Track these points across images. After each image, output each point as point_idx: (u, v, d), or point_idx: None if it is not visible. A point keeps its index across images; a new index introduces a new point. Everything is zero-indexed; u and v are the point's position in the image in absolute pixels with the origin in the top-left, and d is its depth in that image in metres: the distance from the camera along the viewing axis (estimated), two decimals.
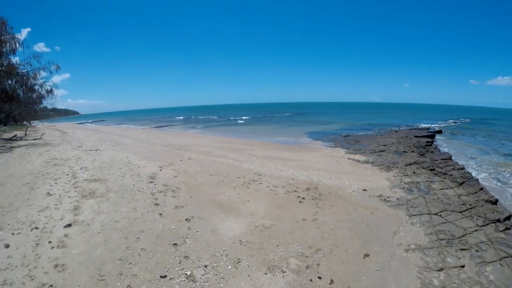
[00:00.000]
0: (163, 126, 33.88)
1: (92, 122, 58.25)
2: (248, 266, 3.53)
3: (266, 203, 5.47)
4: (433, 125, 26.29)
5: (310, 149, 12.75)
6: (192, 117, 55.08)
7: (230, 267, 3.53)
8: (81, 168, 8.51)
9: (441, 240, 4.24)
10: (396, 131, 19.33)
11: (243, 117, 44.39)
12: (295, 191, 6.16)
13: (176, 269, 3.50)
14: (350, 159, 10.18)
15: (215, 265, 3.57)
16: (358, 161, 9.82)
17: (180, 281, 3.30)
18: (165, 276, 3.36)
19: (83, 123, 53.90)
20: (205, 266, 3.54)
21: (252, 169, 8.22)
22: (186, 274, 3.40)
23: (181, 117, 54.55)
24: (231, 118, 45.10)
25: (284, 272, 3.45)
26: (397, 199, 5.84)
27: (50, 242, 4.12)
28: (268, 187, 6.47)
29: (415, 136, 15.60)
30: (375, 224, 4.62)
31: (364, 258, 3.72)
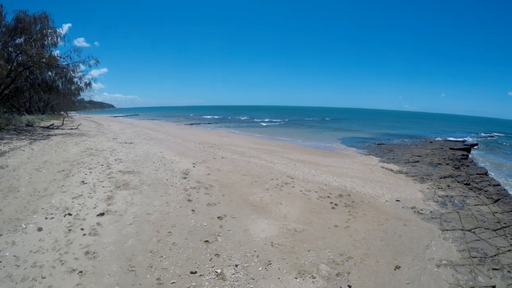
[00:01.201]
0: (195, 124, 42.05)
1: (126, 116, 69.93)
2: (279, 269, 4.23)
3: (299, 207, 6.58)
4: (468, 138, 31.50)
5: (344, 156, 15.43)
6: (224, 116, 68.08)
7: (260, 268, 4.23)
8: (115, 160, 10.86)
9: (473, 257, 5.03)
10: (431, 142, 23.40)
11: (276, 120, 55.70)
12: (328, 197, 7.39)
13: (207, 266, 4.25)
14: (383, 168, 12.24)
15: (245, 265, 4.29)
16: (392, 170, 11.82)
17: (210, 278, 3.99)
18: (195, 272, 4.10)
19: (118, 116, 64.75)
20: (236, 266, 4.26)
21: (285, 171, 9.90)
22: (216, 272, 4.10)
23: (213, 116, 66.92)
24: (264, 119, 56.45)
25: (314, 278, 4.10)
26: (431, 212, 6.97)
27: (82, 229, 5.27)
28: (301, 191, 7.76)
29: (450, 148, 18.93)
30: (407, 236, 5.49)
31: (395, 270, 4.43)
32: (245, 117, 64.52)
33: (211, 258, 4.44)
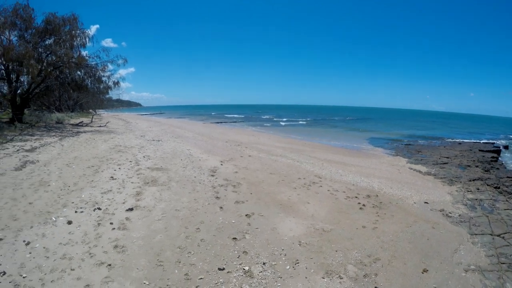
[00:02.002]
0: (222, 122, 43.85)
1: (153, 114, 73.27)
2: (306, 268, 4.34)
3: (327, 206, 6.76)
4: (498, 140, 31.29)
5: (371, 156, 15.77)
6: (248, 115, 71.41)
7: (288, 267, 4.33)
8: (144, 157, 11.36)
9: (502, 263, 5.04)
10: (459, 143, 23.87)
11: (303, 119, 57.66)
12: (356, 197, 7.54)
13: (234, 263, 4.39)
14: (411, 169, 12.51)
15: (273, 263, 4.40)
16: (420, 172, 12.01)
17: (238, 275, 4.11)
18: (223, 269, 4.22)
19: (145, 114, 67.62)
20: (263, 264, 4.38)
21: (312, 171, 10.20)
22: (244, 269, 4.23)
23: (236, 115, 70.15)
24: (288, 118, 59.30)
25: (341, 278, 4.18)
26: (459, 215, 7.00)
27: (111, 223, 5.51)
28: (328, 190, 7.96)
29: (479, 150, 19.12)
30: (436, 240, 5.55)
31: (423, 273, 4.47)
32: (268, 116, 67.46)
33: (239, 255, 4.57)
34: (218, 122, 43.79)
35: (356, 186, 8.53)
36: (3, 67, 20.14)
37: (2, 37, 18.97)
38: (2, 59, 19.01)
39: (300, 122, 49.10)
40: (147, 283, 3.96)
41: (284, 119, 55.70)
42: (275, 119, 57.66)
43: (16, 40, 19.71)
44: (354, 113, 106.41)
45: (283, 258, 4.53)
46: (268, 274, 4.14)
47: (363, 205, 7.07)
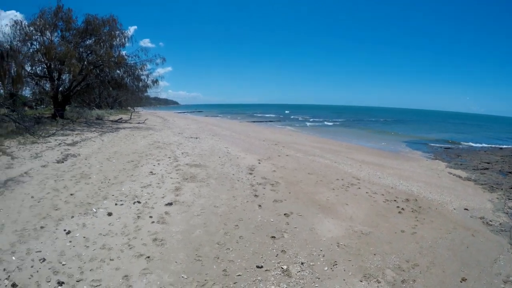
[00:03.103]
0: (258, 121, 45.11)
1: (190, 112, 75.92)
2: (344, 270, 4.35)
3: (365, 209, 6.80)
4: None
5: (409, 159, 15.83)
6: (283, 114, 73.23)
7: (326, 268, 4.37)
8: (182, 153, 11.79)
9: None
10: (501, 148, 23.34)
11: (337, 119, 58.20)
12: (395, 200, 7.57)
13: (273, 261, 4.45)
14: (451, 173, 12.34)
15: (311, 263, 4.45)
16: (460, 177, 11.82)
17: (276, 274, 4.17)
18: (261, 267, 4.29)
19: (182, 112, 70.55)
20: (302, 263, 4.43)
21: (350, 172, 10.34)
22: (282, 268, 4.28)
23: (274, 114, 72.06)
24: (323, 118, 59.45)
25: (379, 282, 4.17)
26: (500, 224, 6.79)
27: (151, 217, 5.72)
28: (367, 192, 8.01)
29: None
30: (475, 248, 5.44)
31: (461, 282, 4.41)
32: (303, 116, 68.35)
33: (277, 254, 4.63)
34: (254, 121, 45.20)
35: (395, 189, 8.54)
36: (45, 66, 21.70)
37: (44, 37, 20.52)
38: (45, 58, 20.55)
39: (335, 123, 49.52)
40: (185, 276, 4.05)
41: (319, 119, 56.60)
42: (309, 118, 58.49)
43: (58, 40, 21.35)
44: (388, 114, 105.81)
45: (321, 259, 4.57)
46: (306, 274, 4.19)
47: (402, 209, 7.05)
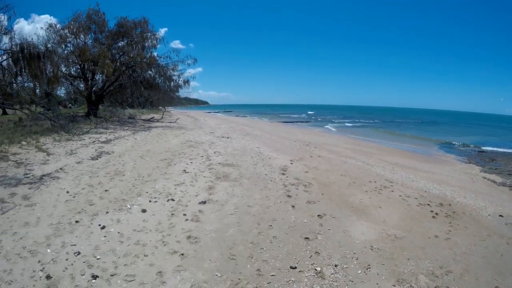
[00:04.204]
0: (289, 122, 46.62)
1: (220, 112, 78.75)
2: (377, 274, 4.34)
3: (399, 212, 6.79)
4: None
5: (443, 162, 15.82)
6: (313, 115, 75.55)
7: (359, 271, 4.36)
8: (214, 152, 11.99)
9: None
10: None
11: (368, 120, 60.06)
12: (428, 204, 7.48)
13: (306, 262, 4.48)
14: (485, 178, 12.18)
15: (345, 266, 4.45)
16: (494, 182, 11.64)
17: (310, 275, 4.18)
18: (295, 268, 4.31)
19: (213, 112, 73.53)
20: (335, 266, 4.44)
21: (383, 174, 10.34)
22: (316, 270, 4.30)
23: (304, 115, 75.08)
24: (354, 119, 61.34)
25: (412, 287, 4.14)
26: None
27: (184, 214, 5.83)
28: (400, 196, 7.97)
29: None
30: (510, 256, 5.36)
31: None
32: (334, 116, 69.90)
33: (311, 256, 4.66)
34: (284, 122, 46.27)
35: (428, 193, 8.45)
36: (79, 67, 23.02)
37: (78, 40, 21.69)
38: (78, 59, 21.67)
39: (366, 124, 50.42)
40: (219, 275, 4.07)
41: (349, 120, 57.65)
42: (340, 119, 59.59)
43: (91, 42, 22.53)
44: (420, 115, 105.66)
45: (355, 262, 4.57)
46: (340, 276, 4.19)
47: (436, 213, 6.94)
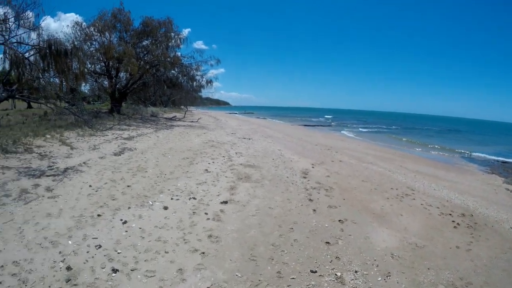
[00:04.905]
0: (310, 125, 47.57)
1: (241, 113, 79.36)
2: (397, 283, 4.33)
3: (420, 221, 6.77)
4: None
5: (465, 171, 15.69)
6: (334, 119, 76.48)
7: (379, 278, 4.36)
8: (236, 153, 12.09)
9: None
10: None
11: (389, 126, 60.43)
12: (450, 214, 7.44)
13: (327, 267, 4.49)
14: (508, 190, 11.95)
15: (365, 272, 4.45)
16: None
17: (330, 280, 4.19)
18: (315, 272, 4.32)
19: (234, 113, 74.36)
20: (355, 272, 4.43)
21: (404, 182, 10.31)
22: (336, 275, 4.30)
23: (326, 119, 76.33)
24: (377, 125, 61.38)
25: None
26: None
27: (206, 213, 5.92)
28: (421, 204, 7.92)
29: None
30: None
31: None
32: (353, 121, 70.99)
33: (331, 260, 4.67)
34: (306, 125, 47.30)
35: (450, 203, 8.37)
36: (104, 64, 23.78)
37: (103, 38, 22.36)
38: (103, 57, 22.42)
39: (387, 130, 50.85)
40: (239, 275, 4.09)
41: (370, 126, 58.51)
42: (360, 125, 60.36)
43: (116, 40, 23.21)
44: (440, 123, 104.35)
45: (375, 269, 4.56)
46: (359, 283, 4.18)
47: (458, 223, 6.88)
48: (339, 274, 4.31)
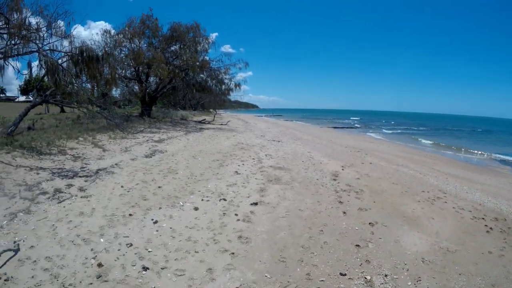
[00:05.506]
0: (339, 127, 48.03)
1: (269, 115, 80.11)
2: None
3: (452, 225, 6.65)
4: None
5: (498, 174, 15.20)
6: (363, 121, 77.66)
7: (409, 283, 4.29)
8: (265, 155, 12.20)
9: None
10: None
11: (420, 127, 60.36)
12: (483, 218, 7.25)
13: (356, 270, 4.46)
14: None
15: (395, 277, 4.40)
16: None
17: (359, 283, 4.16)
18: (345, 275, 4.30)
19: (263, 115, 75.02)
20: (385, 276, 4.39)
21: (436, 184, 10.13)
22: (366, 278, 4.28)
23: (355, 120, 76.54)
24: (406, 126, 61.73)
25: None
26: None
27: (236, 214, 6.01)
28: (453, 207, 7.76)
29: None
30: None
31: None
32: (382, 123, 71.58)
33: (361, 263, 4.63)
34: (335, 127, 47.65)
35: (483, 206, 8.12)
36: (134, 70, 24.53)
37: (133, 44, 23.14)
38: (133, 62, 23.10)
39: (417, 131, 50.37)
40: (268, 276, 4.10)
41: (399, 127, 58.59)
42: (389, 126, 60.84)
43: (145, 46, 23.90)
44: (474, 123, 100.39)
45: (405, 273, 4.49)
46: (389, 287, 4.14)
47: (490, 228, 6.66)
48: (368, 277, 4.27)
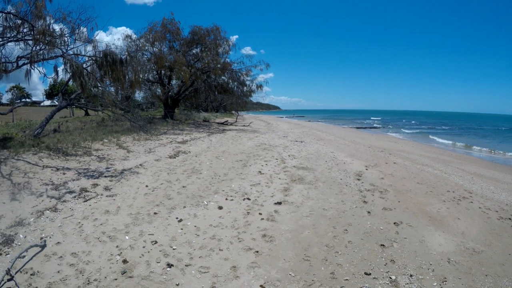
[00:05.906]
0: (362, 128, 48.23)
1: (291, 117, 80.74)
2: None
3: (478, 225, 6.56)
4: None
5: None
6: (388, 121, 77.75)
7: (435, 283, 4.26)
8: (289, 156, 12.20)
9: None
10: None
11: (443, 126, 60.09)
12: (509, 218, 7.17)
13: (381, 270, 4.45)
14: None
15: (420, 277, 4.38)
16: None
17: (384, 283, 4.15)
18: (369, 274, 4.29)
19: (285, 117, 75.67)
20: (410, 276, 4.38)
21: (461, 184, 10.02)
22: (391, 278, 4.27)
23: (377, 120, 77.12)
24: (430, 126, 61.46)
25: None
26: None
27: (260, 214, 6.07)
28: (479, 207, 7.63)
29: None
30: None
31: None
32: (404, 122, 72.05)
33: (386, 263, 4.61)
34: (357, 127, 47.80)
35: (510, 207, 7.92)
36: (156, 73, 25.08)
37: (154, 48, 23.67)
38: (155, 66, 23.57)
39: (441, 130, 50.34)
40: (292, 274, 4.12)
41: (422, 126, 58.53)
42: (412, 125, 60.95)
43: (167, 50, 24.37)
44: (495, 121, 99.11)
45: (430, 274, 4.46)
46: (414, 287, 4.13)
47: None
48: (393, 277, 4.27)
